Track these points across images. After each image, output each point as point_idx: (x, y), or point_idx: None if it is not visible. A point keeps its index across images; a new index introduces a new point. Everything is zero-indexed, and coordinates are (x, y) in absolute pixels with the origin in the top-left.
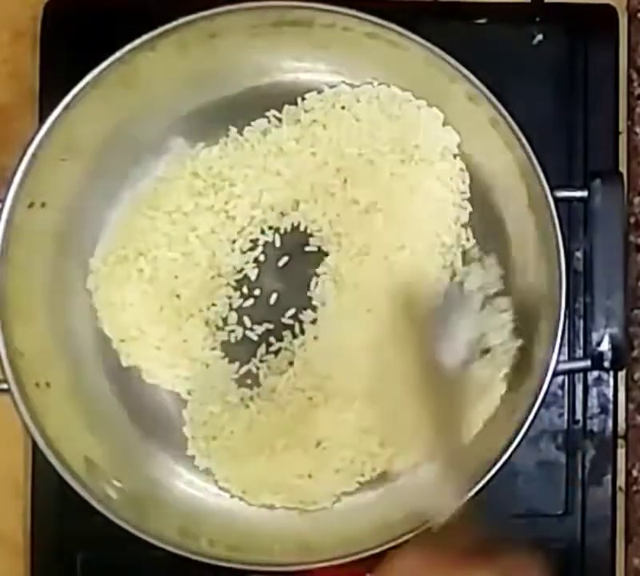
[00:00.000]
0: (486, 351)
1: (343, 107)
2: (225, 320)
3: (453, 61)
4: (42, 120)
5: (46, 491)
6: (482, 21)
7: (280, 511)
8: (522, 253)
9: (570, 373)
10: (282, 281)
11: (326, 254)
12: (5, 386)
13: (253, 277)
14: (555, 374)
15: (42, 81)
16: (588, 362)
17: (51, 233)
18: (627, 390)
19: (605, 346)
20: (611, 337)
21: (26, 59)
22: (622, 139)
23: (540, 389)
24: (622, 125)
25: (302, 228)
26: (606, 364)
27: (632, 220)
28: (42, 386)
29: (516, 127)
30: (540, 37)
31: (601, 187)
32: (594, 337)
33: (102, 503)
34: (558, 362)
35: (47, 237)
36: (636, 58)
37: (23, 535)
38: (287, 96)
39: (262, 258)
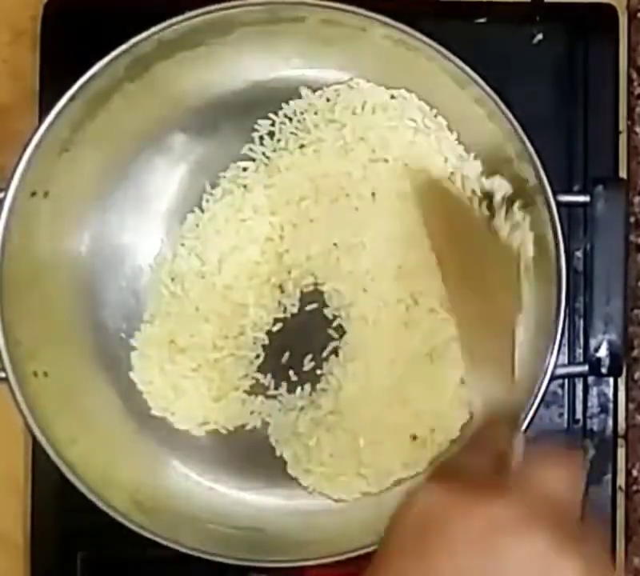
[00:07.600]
0: None
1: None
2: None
3: (459, 61)
4: (41, 120)
5: (45, 491)
6: (482, 20)
7: (278, 508)
8: None
9: (568, 377)
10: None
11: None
12: (2, 375)
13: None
14: (553, 378)
15: (42, 81)
16: (585, 367)
17: (52, 223)
18: (627, 389)
19: (602, 353)
20: (609, 344)
21: (26, 59)
22: (622, 139)
23: (537, 392)
24: (622, 125)
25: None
26: (604, 370)
27: (632, 219)
28: (39, 376)
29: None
30: (540, 36)
31: (603, 193)
32: (592, 343)
33: (100, 498)
34: (556, 366)
35: (48, 226)
36: (636, 57)
37: (23, 535)
38: (293, 91)
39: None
